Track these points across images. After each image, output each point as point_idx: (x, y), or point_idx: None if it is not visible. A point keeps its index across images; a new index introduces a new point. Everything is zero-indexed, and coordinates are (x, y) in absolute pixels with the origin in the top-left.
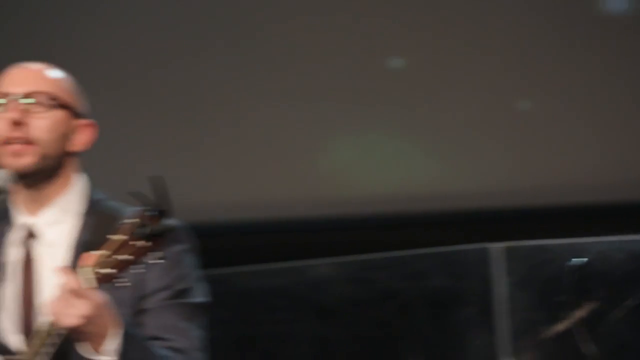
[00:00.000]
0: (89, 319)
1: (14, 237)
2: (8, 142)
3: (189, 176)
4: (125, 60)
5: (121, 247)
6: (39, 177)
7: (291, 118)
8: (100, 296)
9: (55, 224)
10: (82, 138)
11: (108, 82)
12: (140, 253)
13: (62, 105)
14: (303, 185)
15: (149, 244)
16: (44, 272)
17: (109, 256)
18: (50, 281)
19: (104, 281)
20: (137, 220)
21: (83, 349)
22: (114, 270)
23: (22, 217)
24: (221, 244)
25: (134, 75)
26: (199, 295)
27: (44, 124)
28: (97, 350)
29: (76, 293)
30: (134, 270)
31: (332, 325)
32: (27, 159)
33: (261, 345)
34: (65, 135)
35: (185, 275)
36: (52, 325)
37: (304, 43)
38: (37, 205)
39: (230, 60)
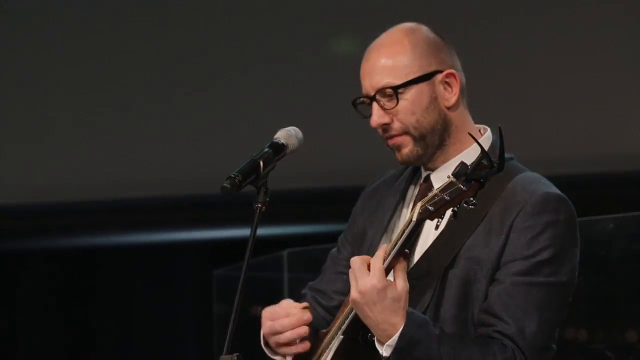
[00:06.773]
0: (365, 296)
1: (414, 192)
2: (385, 139)
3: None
4: None
5: (446, 187)
6: (427, 155)
7: None
8: (383, 282)
9: None
10: (447, 92)
11: None
12: (456, 195)
13: (408, 84)
14: (584, 142)
15: (465, 188)
16: (427, 230)
17: (435, 194)
18: (427, 241)
19: (423, 217)
20: (471, 164)
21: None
22: (432, 208)
23: (423, 172)
24: None
25: None
26: (561, 274)
27: (403, 111)
28: (378, 339)
29: (369, 265)
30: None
31: (616, 282)
32: (405, 150)
33: None
34: (429, 104)
35: (550, 247)
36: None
37: None
38: (435, 164)
39: None
